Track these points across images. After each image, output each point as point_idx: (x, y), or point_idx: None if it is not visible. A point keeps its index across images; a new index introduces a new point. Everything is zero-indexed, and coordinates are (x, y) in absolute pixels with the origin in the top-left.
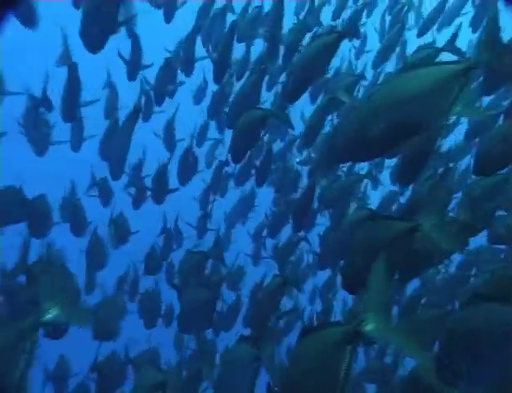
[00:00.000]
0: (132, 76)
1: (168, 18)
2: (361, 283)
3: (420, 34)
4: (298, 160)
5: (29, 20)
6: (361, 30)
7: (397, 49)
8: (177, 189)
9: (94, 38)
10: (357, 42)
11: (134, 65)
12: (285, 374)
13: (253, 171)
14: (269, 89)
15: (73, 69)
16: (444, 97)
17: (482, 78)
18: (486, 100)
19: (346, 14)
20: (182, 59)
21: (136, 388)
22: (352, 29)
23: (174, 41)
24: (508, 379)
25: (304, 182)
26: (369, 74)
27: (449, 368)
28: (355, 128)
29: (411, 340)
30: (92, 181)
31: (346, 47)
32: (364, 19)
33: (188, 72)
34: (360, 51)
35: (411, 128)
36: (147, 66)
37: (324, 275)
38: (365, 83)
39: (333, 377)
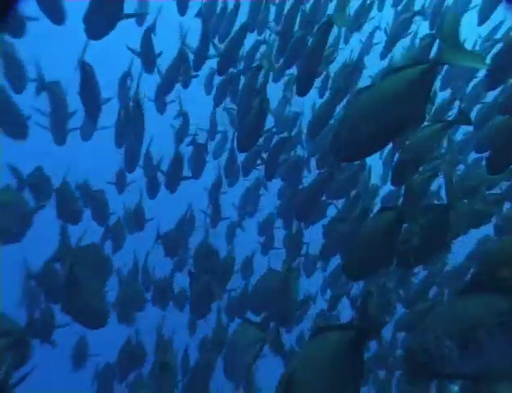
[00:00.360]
0: (149, 68)
1: (182, 10)
2: (362, 271)
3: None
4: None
5: (57, 15)
6: (361, 23)
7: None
8: (191, 177)
9: (97, 27)
10: (364, 35)
11: (148, 57)
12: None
13: (260, 162)
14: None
15: (87, 70)
16: (417, 93)
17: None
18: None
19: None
20: (195, 53)
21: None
22: (340, 21)
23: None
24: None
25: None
26: (378, 66)
27: (438, 354)
28: (344, 129)
29: None
30: (119, 171)
31: (356, 40)
32: (375, 12)
33: (197, 67)
34: (368, 45)
35: (397, 123)
36: (158, 55)
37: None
38: (372, 74)
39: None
